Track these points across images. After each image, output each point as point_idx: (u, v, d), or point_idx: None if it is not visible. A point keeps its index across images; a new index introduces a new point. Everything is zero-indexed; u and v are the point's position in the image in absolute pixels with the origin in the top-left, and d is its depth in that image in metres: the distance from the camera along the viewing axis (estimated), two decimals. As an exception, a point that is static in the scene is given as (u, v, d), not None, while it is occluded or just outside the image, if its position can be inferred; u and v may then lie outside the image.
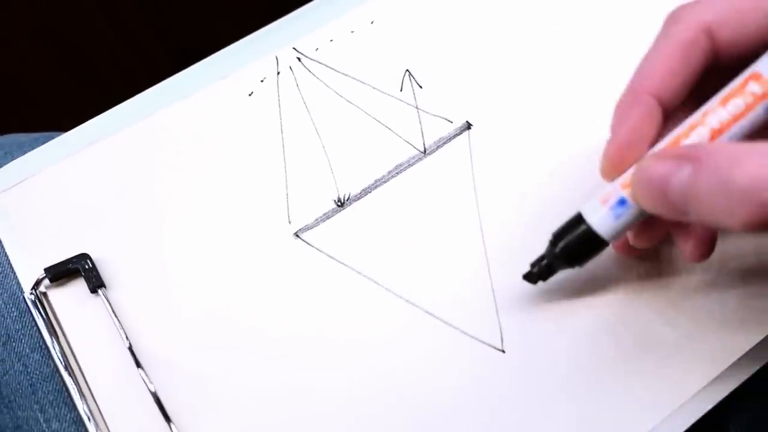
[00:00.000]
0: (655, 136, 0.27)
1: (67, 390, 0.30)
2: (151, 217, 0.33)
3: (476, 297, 0.31)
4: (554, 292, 0.31)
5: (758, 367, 0.30)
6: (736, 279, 0.31)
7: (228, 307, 0.32)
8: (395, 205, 0.34)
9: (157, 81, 0.37)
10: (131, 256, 0.32)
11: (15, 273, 0.32)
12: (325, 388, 0.30)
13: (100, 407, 0.30)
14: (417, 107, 0.36)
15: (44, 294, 0.32)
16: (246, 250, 0.33)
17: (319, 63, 0.37)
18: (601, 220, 0.27)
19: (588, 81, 0.36)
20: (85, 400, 0.30)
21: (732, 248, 0.32)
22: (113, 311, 0.31)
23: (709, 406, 0.29)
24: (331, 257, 0.32)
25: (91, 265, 0.32)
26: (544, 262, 0.29)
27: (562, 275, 0.29)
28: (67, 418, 0.31)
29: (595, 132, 0.34)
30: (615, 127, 0.28)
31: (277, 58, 0.37)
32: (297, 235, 0.33)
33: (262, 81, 0.36)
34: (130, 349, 0.30)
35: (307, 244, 0.33)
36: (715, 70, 0.27)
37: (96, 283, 0.31)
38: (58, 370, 0.30)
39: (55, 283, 0.32)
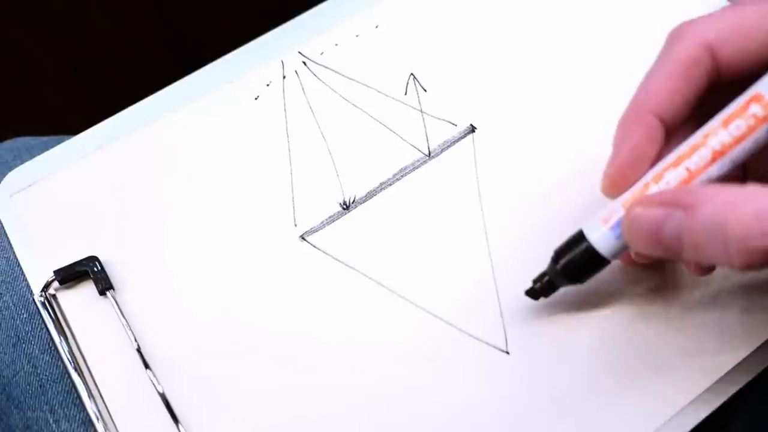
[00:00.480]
0: (656, 155, 0.27)
1: (77, 391, 0.30)
2: (158, 220, 0.34)
3: (480, 299, 0.32)
4: (559, 294, 0.31)
5: (759, 371, 0.30)
6: (739, 290, 0.31)
7: (235, 309, 0.32)
8: (400, 208, 0.34)
9: (164, 85, 0.37)
10: (139, 258, 0.33)
11: (25, 275, 0.33)
12: (331, 390, 0.30)
13: (108, 408, 0.30)
14: (422, 111, 0.36)
15: (53, 296, 0.32)
16: (252, 252, 0.33)
17: (325, 67, 0.37)
18: (602, 239, 0.27)
19: (593, 84, 0.36)
20: (94, 401, 0.30)
21: None
22: (122, 313, 0.31)
23: (712, 409, 0.29)
24: (336, 260, 0.33)
25: (99, 268, 0.32)
26: (546, 278, 0.29)
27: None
28: (77, 418, 0.31)
29: (600, 136, 0.34)
30: (616, 146, 0.28)
31: (282, 63, 0.37)
32: (303, 238, 0.33)
33: (267, 85, 0.37)
34: (139, 350, 0.30)
35: (313, 246, 0.33)
36: (717, 87, 0.27)
37: (105, 286, 0.32)
38: (67, 372, 0.31)
39: (64, 286, 0.32)
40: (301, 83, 0.37)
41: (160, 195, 0.34)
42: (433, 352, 0.31)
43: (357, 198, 0.34)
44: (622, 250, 0.27)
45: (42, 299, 0.32)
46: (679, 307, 0.31)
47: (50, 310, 0.31)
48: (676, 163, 0.26)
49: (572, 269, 0.28)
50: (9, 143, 0.40)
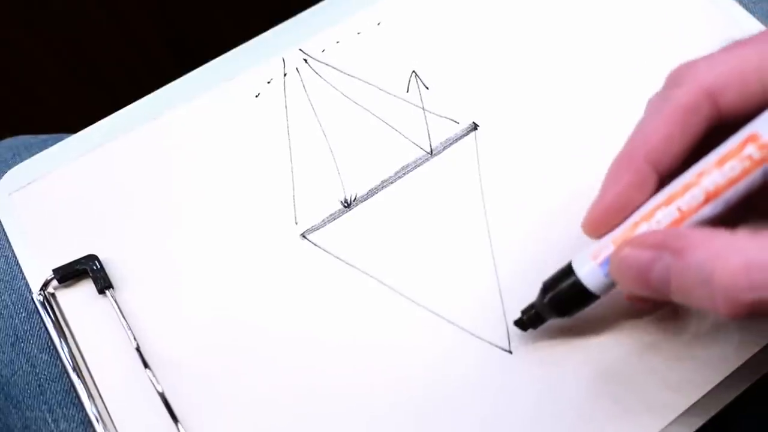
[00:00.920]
0: (645, 202, 0.26)
1: (75, 390, 0.30)
2: (158, 218, 0.33)
3: (483, 297, 0.31)
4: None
5: (760, 376, 0.30)
6: None
7: (235, 307, 0.32)
8: (402, 206, 0.34)
9: (164, 83, 0.37)
10: (139, 257, 0.33)
11: (23, 274, 0.33)
12: (332, 389, 0.30)
13: (108, 408, 0.30)
14: (423, 108, 0.36)
15: (52, 295, 0.32)
16: (253, 250, 0.33)
17: (326, 64, 0.37)
18: (590, 275, 0.27)
19: (596, 82, 0.36)
20: (93, 400, 0.30)
21: None
22: (121, 312, 0.31)
23: (713, 413, 0.29)
24: (337, 258, 0.33)
25: (99, 266, 0.32)
26: (533, 311, 0.29)
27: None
28: (75, 418, 0.31)
29: (602, 133, 0.34)
30: (603, 188, 0.27)
31: (283, 60, 0.37)
32: (304, 236, 0.33)
33: (268, 82, 0.37)
34: (138, 349, 0.30)
35: (314, 245, 0.33)
36: (716, 129, 0.26)
37: (104, 284, 0.32)
38: (66, 371, 0.30)
39: (63, 284, 0.32)
40: (302, 81, 0.37)
41: (160, 193, 0.34)
42: (435, 351, 0.31)
43: (358, 196, 0.34)
44: (611, 287, 0.27)
45: (41, 298, 0.31)
46: (685, 308, 0.30)
47: (49, 309, 0.31)
48: (668, 202, 0.26)
49: (559, 303, 0.28)
50: (8, 141, 0.40)
